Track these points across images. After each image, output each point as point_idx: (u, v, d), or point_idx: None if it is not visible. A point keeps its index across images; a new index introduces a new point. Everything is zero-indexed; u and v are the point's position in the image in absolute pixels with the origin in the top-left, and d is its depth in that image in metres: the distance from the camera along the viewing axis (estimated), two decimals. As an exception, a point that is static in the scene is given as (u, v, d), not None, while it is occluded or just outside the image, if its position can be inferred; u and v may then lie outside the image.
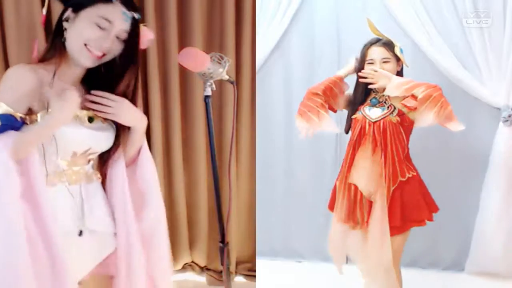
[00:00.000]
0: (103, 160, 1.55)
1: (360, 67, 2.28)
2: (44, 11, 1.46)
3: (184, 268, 3.15)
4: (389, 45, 2.26)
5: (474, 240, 3.03)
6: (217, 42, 2.83)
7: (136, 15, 1.44)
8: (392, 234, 2.11)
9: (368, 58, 2.26)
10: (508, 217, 2.93)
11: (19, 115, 1.31)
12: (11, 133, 1.27)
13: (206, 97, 1.69)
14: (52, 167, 1.39)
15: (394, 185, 2.16)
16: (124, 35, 1.44)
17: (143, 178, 1.59)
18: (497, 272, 2.99)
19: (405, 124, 2.20)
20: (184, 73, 2.81)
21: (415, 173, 2.21)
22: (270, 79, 3.31)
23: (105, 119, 1.50)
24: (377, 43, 2.26)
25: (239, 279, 3.13)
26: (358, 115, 2.27)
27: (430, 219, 2.22)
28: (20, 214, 1.25)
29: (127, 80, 1.50)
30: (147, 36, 1.59)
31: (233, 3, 2.76)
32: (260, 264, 3.09)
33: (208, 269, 3.10)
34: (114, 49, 1.43)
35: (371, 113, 2.24)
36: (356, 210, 2.23)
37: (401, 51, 2.26)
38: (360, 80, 2.26)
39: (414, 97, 2.12)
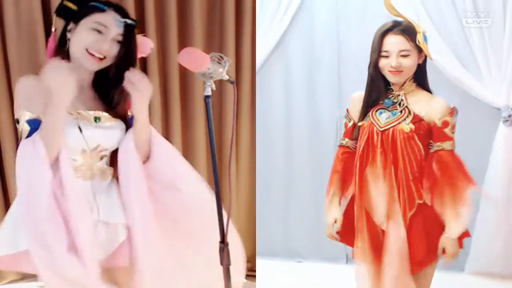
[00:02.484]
0: (117, 157, 1.63)
1: (374, 59, 1.81)
2: (53, 28, 1.62)
3: (184, 268, 3.15)
4: (409, 33, 1.75)
5: (474, 240, 3.03)
6: (217, 42, 2.83)
7: (129, 21, 1.56)
8: (417, 271, 1.77)
9: (383, 49, 1.77)
10: (508, 217, 2.94)
11: (38, 113, 1.46)
12: (37, 135, 1.44)
13: (206, 97, 1.69)
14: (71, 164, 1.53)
15: (411, 210, 1.77)
16: (120, 38, 1.56)
17: (162, 169, 1.64)
18: (497, 272, 2.99)
19: (421, 132, 1.79)
20: (184, 73, 2.81)
21: None
22: (270, 79, 3.31)
23: (115, 118, 1.61)
24: (395, 30, 1.76)
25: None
26: (365, 121, 1.86)
27: (461, 246, 1.81)
28: (48, 199, 1.42)
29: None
30: (148, 45, 1.70)
31: (233, 3, 2.76)
32: (260, 264, 3.09)
33: (208, 269, 3.10)
34: (113, 51, 1.55)
35: (381, 118, 1.83)
36: (379, 243, 1.82)
37: (425, 39, 1.77)
38: None
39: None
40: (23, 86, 1.50)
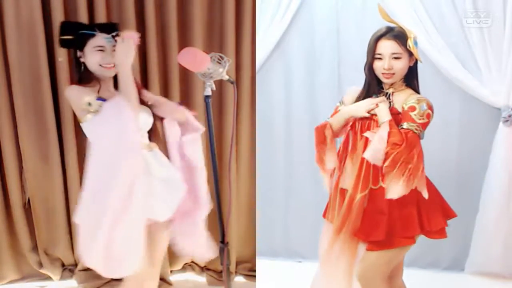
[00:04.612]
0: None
1: (368, 61, 2.01)
2: (60, 59, 2.09)
3: (184, 268, 3.15)
4: (401, 38, 1.94)
5: (474, 240, 3.03)
6: (217, 42, 2.83)
7: (115, 33, 1.96)
8: (370, 249, 1.96)
9: (376, 52, 1.97)
10: (508, 217, 2.94)
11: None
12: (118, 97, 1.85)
13: (206, 97, 1.70)
14: None
15: (363, 191, 1.95)
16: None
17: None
18: (497, 272, 2.99)
19: (396, 124, 1.94)
20: (184, 73, 2.81)
21: None
22: (270, 79, 3.31)
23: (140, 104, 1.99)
24: (388, 35, 1.96)
25: (239, 279, 3.13)
26: None
27: (425, 235, 2.00)
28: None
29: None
30: (134, 36, 2.00)
31: (233, 3, 2.76)
32: (260, 264, 3.09)
33: (208, 269, 3.10)
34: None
35: None
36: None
37: (415, 44, 1.96)
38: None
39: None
40: (74, 87, 1.92)
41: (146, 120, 2.03)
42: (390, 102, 2.00)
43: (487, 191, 2.97)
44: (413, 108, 1.91)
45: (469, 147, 3.06)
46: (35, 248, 2.94)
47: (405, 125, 1.90)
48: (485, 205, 2.97)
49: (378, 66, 1.97)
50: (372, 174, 1.95)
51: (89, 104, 1.86)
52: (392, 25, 2.00)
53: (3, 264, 2.91)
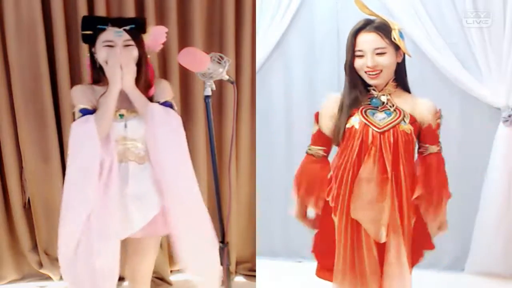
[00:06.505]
0: None
1: (348, 60, 1.74)
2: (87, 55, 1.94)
3: (184, 268, 3.15)
4: (383, 30, 1.67)
5: (474, 240, 3.03)
6: (217, 42, 2.83)
7: (128, 27, 1.87)
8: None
9: (356, 48, 1.70)
10: (508, 217, 2.94)
11: (90, 106, 1.84)
12: (91, 115, 1.80)
13: (206, 97, 1.69)
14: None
15: (414, 216, 1.70)
16: (131, 43, 1.87)
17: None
18: (497, 272, 2.99)
19: (416, 135, 1.73)
20: (184, 73, 2.81)
21: None
22: (270, 79, 3.31)
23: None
24: (368, 28, 1.68)
25: (239, 279, 3.13)
26: (355, 121, 1.71)
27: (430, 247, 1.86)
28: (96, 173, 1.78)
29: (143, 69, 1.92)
30: (160, 33, 2.08)
31: (233, 3, 2.76)
32: (260, 264, 3.08)
33: (208, 269, 3.10)
34: (131, 54, 1.86)
35: (376, 118, 1.70)
36: (364, 261, 1.68)
37: (401, 36, 1.68)
38: None
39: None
40: (77, 89, 1.89)
41: (135, 129, 1.87)
42: (398, 108, 1.72)
43: (487, 191, 2.97)
44: (439, 126, 1.77)
45: (469, 147, 3.06)
46: (35, 248, 2.94)
47: (433, 148, 1.78)
48: (485, 205, 2.98)
49: (360, 64, 1.70)
50: (411, 188, 1.71)
51: (74, 113, 1.86)
52: (372, 17, 1.74)
53: (3, 264, 2.91)
